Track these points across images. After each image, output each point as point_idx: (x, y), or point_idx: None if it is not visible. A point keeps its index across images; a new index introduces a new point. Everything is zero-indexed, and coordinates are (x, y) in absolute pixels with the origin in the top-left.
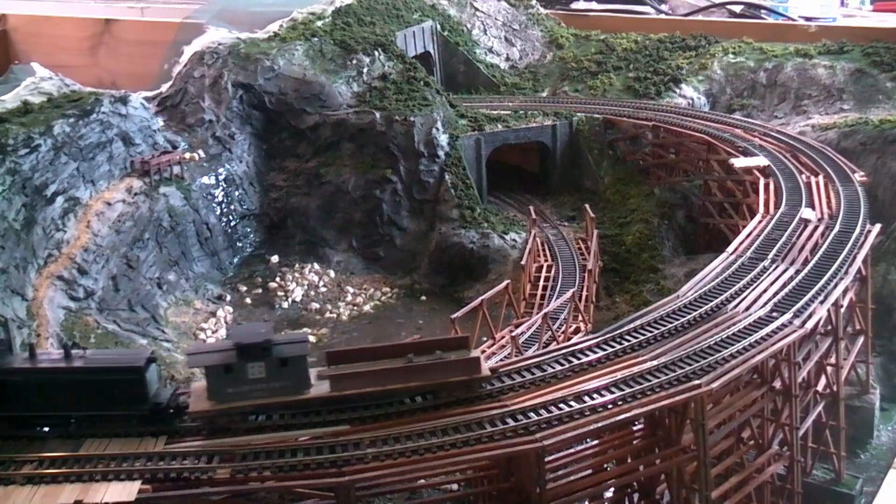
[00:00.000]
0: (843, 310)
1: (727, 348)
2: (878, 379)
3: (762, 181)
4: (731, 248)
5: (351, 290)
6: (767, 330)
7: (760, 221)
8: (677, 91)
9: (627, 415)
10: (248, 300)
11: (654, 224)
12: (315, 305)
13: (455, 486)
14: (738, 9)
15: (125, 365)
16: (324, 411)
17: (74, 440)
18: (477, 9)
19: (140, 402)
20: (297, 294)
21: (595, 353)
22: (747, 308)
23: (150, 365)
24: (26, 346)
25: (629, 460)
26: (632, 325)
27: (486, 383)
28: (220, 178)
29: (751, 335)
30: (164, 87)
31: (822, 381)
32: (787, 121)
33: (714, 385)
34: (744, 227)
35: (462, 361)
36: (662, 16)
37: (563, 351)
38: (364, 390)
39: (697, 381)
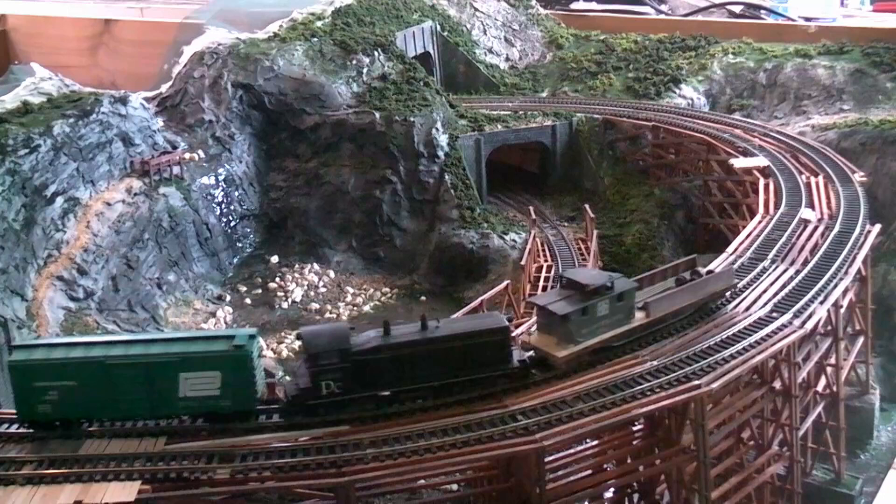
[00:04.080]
0: (842, 310)
1: (727, 348)
2: (878, 379)
3: (762, 181)
4: (730, 249)
5: (351, 290)
6: (767, 330)
7: (760, 222)
8: (677, 91)
9: (627, 415)
10: (248, 300)
11: (653, 224)
12: (315, 305)
13: (455, 487)
14: (738, 9)
15: (493, 327)
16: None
17: (75, 440)
18: (477, 9)
19: (506, 361)
20: (297, 294)
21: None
22: (747, 308)
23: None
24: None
25: (629, 460)
26: None
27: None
28: (220, 178)
29: (751, 335)
30: (164, 88)
31: (822, 381)
32: (787, 121)
33: (714, 385)
34: (744, 227)
35: (724, 273)
36: (662, 16)
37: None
38: (671, 310)
39: (697, 382)
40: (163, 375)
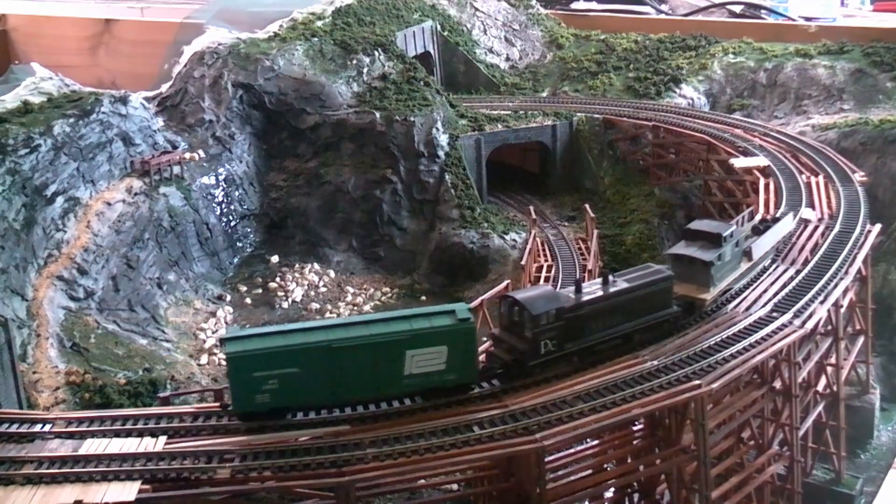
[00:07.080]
0: (843, 310)
1: (727, 348)
2: (878, 379)
3: (762, 181)
4: None
5: (351, 290)
6: (767, 330)
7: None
8: (677, 91)
9: (627, 415)
10: (248, 300)
11: (654, 224)
12: (315, 305)
13: (455, 486)
14: (738, 9)
15: (662, 276)
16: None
17: (75, 440)
18: (477, 9)
19: (671, 306)
20: (297, 294)
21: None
22: (747, 308)
23: None
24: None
25: (629, 460)
26: None
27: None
28: (220, 178)
29: (751, 335)
30: (164, 87)
31: (822, 381)
32: (787, 121)
33: (714, 385)
34: None
35: (788, 218)
36: (662, 16)
37: None
38: (763, 253)
39: (697, 381)
40: (390, 355)
